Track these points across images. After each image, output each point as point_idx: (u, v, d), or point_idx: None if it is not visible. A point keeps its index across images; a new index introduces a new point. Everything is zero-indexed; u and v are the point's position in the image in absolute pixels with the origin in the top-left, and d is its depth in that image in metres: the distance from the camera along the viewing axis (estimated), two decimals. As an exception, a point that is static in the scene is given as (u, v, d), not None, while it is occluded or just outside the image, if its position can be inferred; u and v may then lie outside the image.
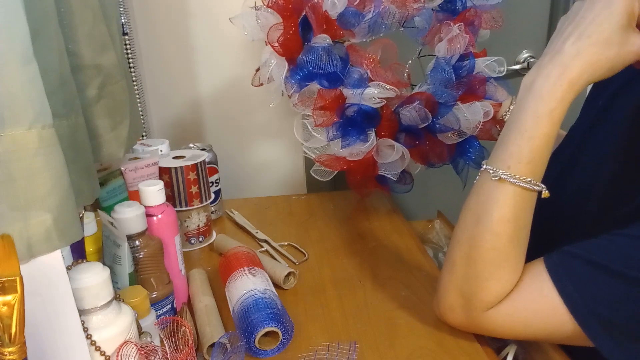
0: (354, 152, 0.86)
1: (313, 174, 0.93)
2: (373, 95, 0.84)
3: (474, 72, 0.91)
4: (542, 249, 0.62)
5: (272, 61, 0.84)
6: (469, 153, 0.95)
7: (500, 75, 0.95)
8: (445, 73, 0.86)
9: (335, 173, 0.93)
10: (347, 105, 0.84)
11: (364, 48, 0.88)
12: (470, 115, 0.88)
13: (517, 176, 0.54)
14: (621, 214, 0.57)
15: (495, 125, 0.96)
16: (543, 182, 0.62)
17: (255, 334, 0.58)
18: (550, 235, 0.68)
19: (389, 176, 0.90)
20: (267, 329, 0.58)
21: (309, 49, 0.83)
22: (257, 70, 0.92)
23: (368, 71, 0.84)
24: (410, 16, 0.86)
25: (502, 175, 0.54)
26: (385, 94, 0.84)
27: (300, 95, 0.85)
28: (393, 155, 0.85)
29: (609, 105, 0.72)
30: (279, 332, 0.59)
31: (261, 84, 0.92)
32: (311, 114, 0.84)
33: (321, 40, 0.83)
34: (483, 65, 0.94)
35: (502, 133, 0.57)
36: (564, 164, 0.73)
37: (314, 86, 0.84)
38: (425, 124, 0.86)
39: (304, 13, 0.84)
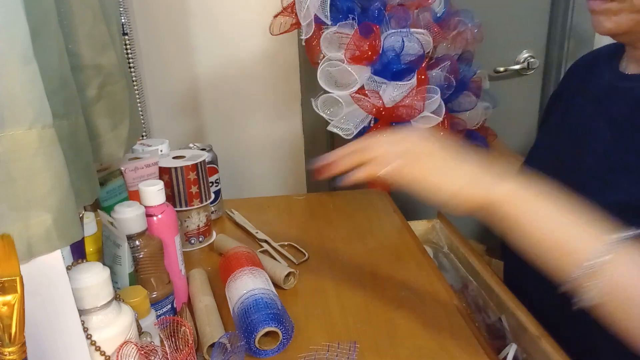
0: (392, 96, 0.79)
1: (331, 129, 0.84)
2: (415, 35, 0.79)
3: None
4: None
5: None
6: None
7: (486, 87, 0.97)
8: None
9: (354, 133, 0.84)
10: (388, 42, 0.78)
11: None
12: (479, 104, 0.88)
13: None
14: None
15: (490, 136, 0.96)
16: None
17: (255, 334, 0.58)
18: None
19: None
20: (267, 329, 0.58)
21: None
22: (280, 14, 0.86)
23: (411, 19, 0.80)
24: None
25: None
26: (426, 42, 0.80)
27: (340, 26, 0.78)
28: (432, 103, 0.79)
29: (571, 104, 0.77)
30: (279, 332, 0.59)
31: (281, 33, 0.85)
32: (343, 55, 0.77)
33: None
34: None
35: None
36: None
37: (353, 24, 0.78)
38: (447, 93, 0.83)
39: None
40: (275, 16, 0.85)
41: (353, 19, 0.77)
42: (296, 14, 0.81)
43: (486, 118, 0.97)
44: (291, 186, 1.34)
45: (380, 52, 0.78)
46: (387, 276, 0.77)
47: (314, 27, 0.80)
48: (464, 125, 0.89)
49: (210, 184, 0.93)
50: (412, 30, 0.79)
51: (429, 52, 0.82)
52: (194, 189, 0.85)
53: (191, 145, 0.99)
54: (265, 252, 0.86)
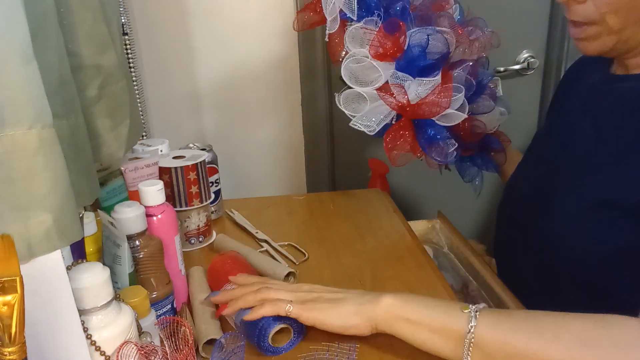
0: (418, 92, 0.79)
1: (354, 125, 0.83)
2: (440, 32, 0.80)
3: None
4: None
5: None
6: (488, 158, 0.96)
7: (499, 94, 0.98)
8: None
9: (376, 130, 0.84)
10: (414, 39, 0.79)
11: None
12: (497, 109, 0.89)
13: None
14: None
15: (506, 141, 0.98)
16: (523, 180, 0.76)
17: (269, 332, 0.58)
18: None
19: (434, 131, 0.83)
20: (279, 327, 0.59)
21: None
22: (303, 10, 0.87)
23: (436, 16, 0.81)
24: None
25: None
26: (447, 42, 0.80)
27: (366, 22, 0.79)
28: (457, 100, 0.81)
29: (562, 106, 0.80)
30: (290, 328, 0.60)
31: (303, 29, 0.87)
32: (367, 50, 0.78)
33: None
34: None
35: None
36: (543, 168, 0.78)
37: (377, 21, 0.79)
38: (469, 94, 0.84)
39: None
40: (299, 12, 0.86)
41: (379, 15, 0.78)
42: (320, 10, 0.82)
43: (500, 124, 0.98)
44: (291, 186, 1.34)
45: (406, 48, 0.79)
46: (387, 276, 0.77)
47: (339, 22, 0.81)
48: (484, 127, 0.90)
49: (210, 184, 0.93)
50: (438, 28, 0.80)
51: (452, 50, 0.83)
52: (194, 189, 0.85)
53: (191, 145, 0.99)
54: (265, 252, 0.86)
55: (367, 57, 0.79)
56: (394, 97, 0.80)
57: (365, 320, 0.58)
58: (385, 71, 0.79)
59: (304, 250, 0.85)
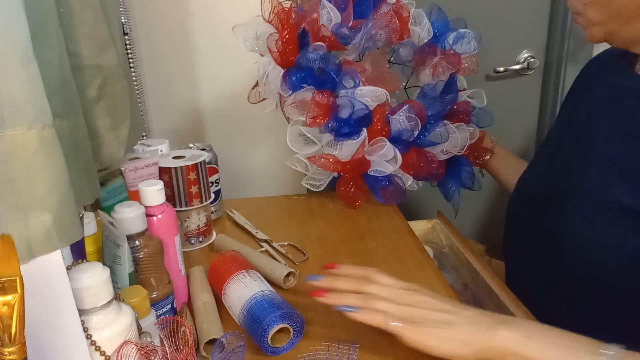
0: (346, 152, 0.89)
1: (305, 184, 0.97)
2: (364, 94, 0.88)
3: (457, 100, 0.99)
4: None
5: (270, 67, 0.89)
6: (460, 176, 1.01)
7: (482, 104, 1.04)
8: (432, 92, 0.92)
9: (326, 184, 0.97)
10: (339, 104, 0.88)
11: (355, 62, 0.94)
12: (458, 133, 0.93)
13: None
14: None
15: (484, 153, 1.02)
16: (537, 177, 0.71)
17: (268, 332, 0.58)
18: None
19: (379, 176, 0.93)
20: (278, 326, 0.59)
21: (305, 52, 0.86)
22: (255, 87, 0.96)
23: (360, 78, 0.90)
24: (395, 43, 0.95)
25: None
26: (376, 96, 0.89)
27: (294, 96, 0.88)
28: (384, 151, 0.89)
29: (580, 101, 0.78)
30: (289, 327, 0.60)
31: (260, 100, 0.97)
32: (304, 119, 0.88)
33: (318, 46, 0.87)
34: (465, 96, 1.03)
35: None
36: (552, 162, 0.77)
37: (308, 91, 0.88)
38: (415, 132, 0.91)
39: (302, 26, 0.89)
40: (253, 88, 0.97)
41: (309, 84, 0.88)
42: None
43: (480, 136, 1.03)
44: (291, 186, 1.33)
45: (333, 114, 0.89)
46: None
47: (278, 97, 0.93)
48: (436, 159, 0.97)
49: (210, 184, 0.93)
50: (360, 89, 0.90)
51: (386, 100, 0.92)
52: (194, 189, 0.85)
53: (191, 145, 0.99)
54: (265, 252, 0.86)
55: (302, 128, 0.91)
56: (329, 160, 0.92)
57: (475, 351, 0.52)
58: (320, 140, 0.90)
59: (304, 250, 0.85)
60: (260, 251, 0.84)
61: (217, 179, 0.98)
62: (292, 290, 0.74)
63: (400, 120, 0.90)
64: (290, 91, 0.88)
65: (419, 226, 1.03)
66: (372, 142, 0.90)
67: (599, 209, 0.63)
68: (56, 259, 0.42)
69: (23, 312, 0.36)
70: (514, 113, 1.38)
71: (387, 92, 0.91)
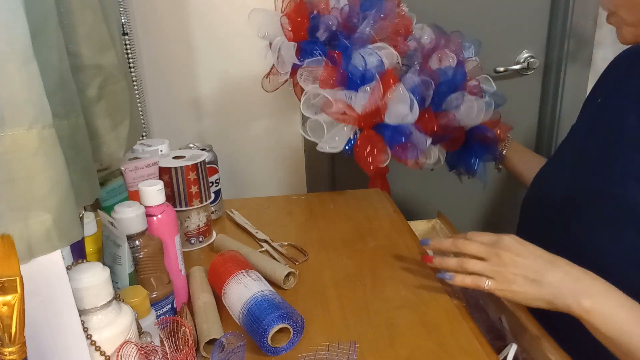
0: (362, 100, 0.89)
1: (321, 149, 0.94)
2: (374, 50, 0.91)
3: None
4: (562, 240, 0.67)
5: (282, 43, 0.92)
6: (484, 149, 1.00)
7: (492, 90, 1.04)
8: (442, 72, 0.92)
9: (342, 145, 0.94)
10: (351, 61, 0.91)
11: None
12: (475, 102, 0.94)
13: None
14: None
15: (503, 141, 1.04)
16: (558, 178, 0.71)
17: (268, 332, 0.58)
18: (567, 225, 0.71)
19: (397, 127, 0.91)
20: (278, 326, 0.59)
21: (316, 17, 0.91)
22: (268, 74, 0.97)
23: (372, 31, 0.92)
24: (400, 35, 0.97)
25: None
26: (387, 55, 0.91)
27: (308, 62, 0.90)
28: (400, 93, 0.89)
29: (607, 99, 0.75)
30: (289, 327, 0.60)
31: (275, 89, 0.97)
32: (318, 85, 0.89)
33: (329, 17, 0.92)
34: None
35: None
36: (574, 159, 0.75)
37: (321, 60, 0.90)
38: (429, 91, 0.92)
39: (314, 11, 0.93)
40: (265, 76, 0.98)
41: (319, 54, 0.91)
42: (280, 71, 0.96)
43: (497, 116, 1.03)
44: (291, 186, 1.34)
45: (346, 72, 0.90)
46: (387, 276, 0.77)
47: (289, 70, 0.94)
48: (454, 118, 0.97)
49: (210, 184, 0.93)
50: (371, 46, 0.91)
51: (397, 62, 0.93)
52: (194, 189, 0.85)
53: (191, 145, 0.99)
54: (265, 252, 0.86)
55: (317, 91, 0.91)
56: (346, 114, 0.90)
57: (556, 308, 0.59)
58: (334, 96, 0.90)
59: (304, 250, 0.85)
60: (260, 251, 0.84)
61: (217, 179, 0.98)
62: (292, 290, 0.74)
63: (414, 79, 0.91)
64: (304, 59, 0.91)
65: (419, 226, 1.03)
66: (384, 89, 0.91)
67: (623, 216, 0.62)
68: (56, 259, 0.42)
69: (23, 312, 0.36)
70: (514, 113, 1.38)
71: (398, 54, 0.93)
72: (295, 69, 0.93)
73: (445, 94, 0.96)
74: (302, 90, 0.93)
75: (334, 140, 0.94)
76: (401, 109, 0.89)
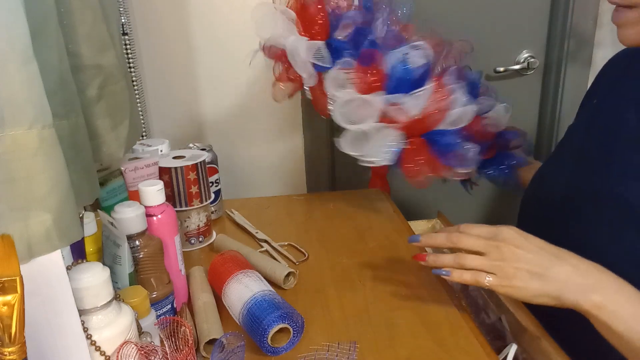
0: (414, 103, 0.80)
1: (364, 162, 0.85)
2: (414, 47, 0.82)
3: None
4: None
5: (298, 43, 0.82)
6: (511, 157, 0.95)
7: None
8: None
9: (391, 154, 0.84)
10: (391, 55, 0.81)
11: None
12: (501, 106, 0.90)
13: None
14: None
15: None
16: (558, 177, 0.68)
17: (268, 333, 0.58)
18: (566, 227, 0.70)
19: (452, 134, 0.83)
20: (278, 326, 0.59)
21: (343, 21, 0.81)
22: (274, 85, 0.89)
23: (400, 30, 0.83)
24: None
25: None
26: (424, 54, 0.82)
27: (341, 64, 0.81)
28: (457, 100, 0.81)
29: (603, 100, 0.74)
30: (289, 327, 0.60)
31: (291, 96, 0.89)
32: (352, 89, 0.80)
33: (353, 12, 0.83)
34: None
35: None
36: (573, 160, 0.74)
37: (349, 61, 0.81)
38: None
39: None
40: (273, 85, 0.89)
41: (350, 55, 0.81)
42: (292, 77, 0.85)
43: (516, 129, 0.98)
44: (291, 186, 1.34)
45: (388, 72, 0.80)
46: (387, 276, 0.77)
47: (316, 75, 0.83)
48: (494, 124, 0.90)
49: (210, 184, 0.93)
50: (411, 44, 0.82)
51: (433, 62, 0.84)
52: (194, 189, 0.85)
53: (191, 145, 0.99)
54: (265, 252, 0.86)
55: (355, 96, 0.81)
56: (396, 120, 0.81)
57: (562, 305, 0.56)
58: (377, 101, 0.80)
59: (304, 250, 0.85)
60: (260, 251, 0.84)
61: (217, 179, 0.98)
62: (292, 290, 0.74)
63: (450, 82, 0.84)
64: (334, 60, 0.81)
65: (419, 226, 1.03)
66: (441, 90, 0.82)
67: (623, 216, 0.61)
68: (56, 259, 0.42)
69: (23, 312, 0.36)
70: (514, 113, 1.36)
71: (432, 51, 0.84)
72: (319, 72, 0.83)
73: (474, 97, 0.89)
74: (323, 95, 0.83)
75: (379, 152, 0.83)
76: (464, 113, 0.82)
